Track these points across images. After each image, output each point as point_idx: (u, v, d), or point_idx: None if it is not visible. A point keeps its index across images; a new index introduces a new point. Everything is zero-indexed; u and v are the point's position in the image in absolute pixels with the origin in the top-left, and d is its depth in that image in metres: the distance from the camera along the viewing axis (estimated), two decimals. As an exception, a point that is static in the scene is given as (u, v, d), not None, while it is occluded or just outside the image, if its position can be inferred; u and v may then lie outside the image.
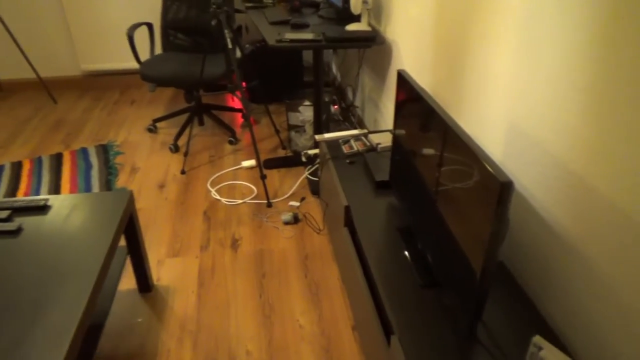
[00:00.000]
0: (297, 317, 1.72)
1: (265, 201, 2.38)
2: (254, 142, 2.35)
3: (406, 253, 1.43)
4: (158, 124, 3.17)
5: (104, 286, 1.65)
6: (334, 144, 2.07)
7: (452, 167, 1.16)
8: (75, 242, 1.44)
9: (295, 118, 2.86)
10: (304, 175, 2.56)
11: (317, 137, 2.12)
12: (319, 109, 2.61)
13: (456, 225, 1.14)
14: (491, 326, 1.16)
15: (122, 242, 1.75)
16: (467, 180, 1.07)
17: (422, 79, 1.95)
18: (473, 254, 1.05)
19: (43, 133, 3.13)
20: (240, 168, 2.69)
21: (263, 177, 2.33)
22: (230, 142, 2.95)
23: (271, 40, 2.17)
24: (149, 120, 3.28)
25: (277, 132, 2.84)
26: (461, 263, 1.12)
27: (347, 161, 1.94)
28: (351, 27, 2.40)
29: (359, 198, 1.71)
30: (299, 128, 2.85)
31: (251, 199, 2.41)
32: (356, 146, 2.02)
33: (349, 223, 1.71)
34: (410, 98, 1.43)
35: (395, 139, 1.60)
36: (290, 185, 2.52)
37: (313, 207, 2.34)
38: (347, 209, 1.68)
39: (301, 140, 2.80)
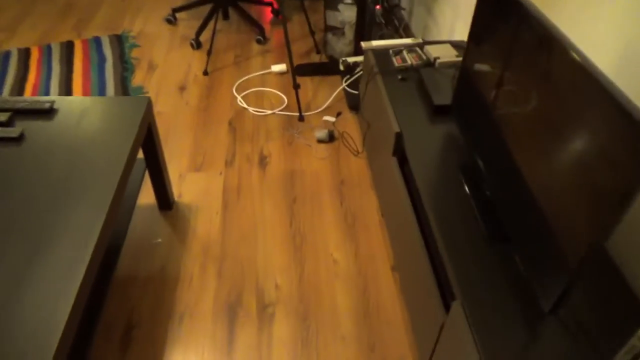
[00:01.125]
0: (331, 250, 1.56)
1: (297, 114, 2.13)
2: (287, 43, 2.04)
3: (469, 195, 1.21)
4: (178, 15, 2.82)
5: (121, 204, 1.49)
6: (382, 54, 1.76)
7: (550, 100, 0.89)
8: (87, 153, 1.25)
9: (334, 18, 2.49)
10: (341, 87, 2.27)
11: (363, 44, 1.80)
12: (364, 9, 2.24)
13: (548, 174, 0.90)
14: (576, 305, 0.97)
15: (140, 154, 1.55)
16: (576, 118, 0.81)
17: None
18: (572, 217, 0.83)
19: (52, 17, 2.81)
20: (270, 73, 2.40)
21: (296, 86, 2.06)
22: (258, 42, 2.62)
23: None
24: (167, 9, 2.92)
25: (312, 33, 2.49)
26: (548, 224, 0.90)
27: (399, 77, 1.65)
28: None
29: (412, 123, 1.45)
30: (337, 30, 2.49)
31: (281, 110, 2.16)
32: (409, 59, 1.71)
33: (398, 152, 1.47)
34: (499, 8, 1.11)
35: (469, 52, 1.30)
36: (325, 96, 2.25)
37: (350, 125, 2.09)
38: (399, 136, 1.43)
39: (339, 45, 2.46)
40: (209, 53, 2.35)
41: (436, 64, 1.66)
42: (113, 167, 1.22)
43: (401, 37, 2.64)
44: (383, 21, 2.81)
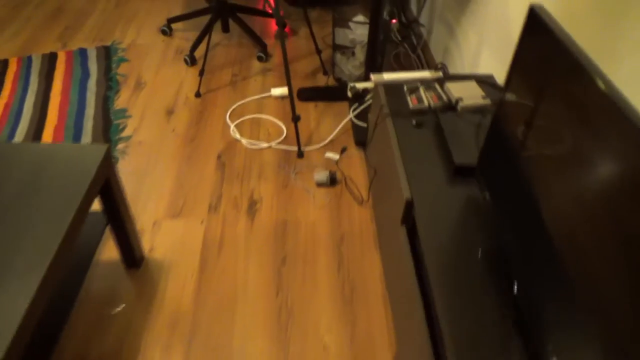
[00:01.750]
0: (322, 332, 1.30)
1: (296, 148, 1.86)
2: (286, 69, 1.77)
3: (496, 294, 0.94)
4: (173, 25, 2.58)
5: (72, 265, 1.25)
6: (394, 90, 1.49)
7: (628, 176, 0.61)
8: (26, 207, 1.00)
9: (344, 37, 2.22)
10: (348, 118, 2.00)
11: (372, 77, 1.53)
12: (377, 26, 1.97)
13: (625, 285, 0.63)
14: None
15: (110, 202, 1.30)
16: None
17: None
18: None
19: (38, 24, 2.59)
20: (269, 96, 2.14)
21: (295, 119, 1.79)
22: (259, 59, 2.36)
23: None
24: (164, 18, 2.67)
25: (319, 51, 2.22)
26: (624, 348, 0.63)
27: (413, 122, 1.38)
28: None
29: (426, 187, 1.18)
30: (346, 49, 2.22)
31: (279, 143, 1.89)
32: (426, 98, 1.43)
33: (408, 221, 1.21)
34: (547, 53, 0.84)
35: (504, 106, 1.03)
36: (329, 127, 1.98)
37: (355, 164, 1.82)
38: (409, 205, 1.17)
39: (348, 67, 2.19)
40: (201, 74, 2.09)
41: (458, 107, 1.38)
42: (55, 224, 0.98)
43: (419, 57, 2.36)
44: (399, 38, 2.53)
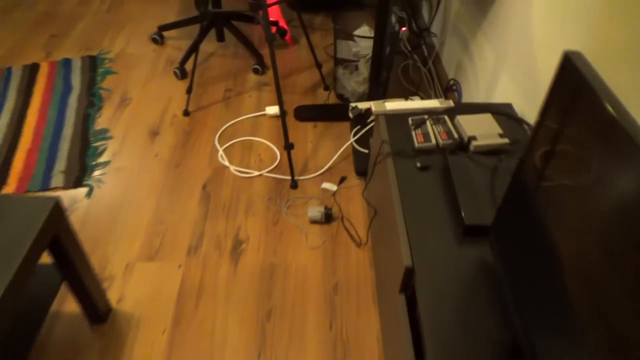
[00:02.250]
0: (307, 410, 1.13)
1: (289, 177, 1.68)
2: (277, 87, 1.58)
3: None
4: (166, 33, 2.40)
5: (22, 326, 1.09)
6: (398, 122, 1.30)
7: None
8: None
9: (346, 49, 2.03)
10: (348, 142, 1.81)
11: (374, 106, 1.34)
12: (383, 37, 1.77)
13: None
14: None
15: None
16: None
17: (567, 33, 1.09)
18: None
19: (23, 31, 2.43)
20: (264, 115, 1.96)
21: (288, 147, 1.61)
22: (255, 71, 2.18)
23: None
24: (155, 25, 2.50)
25: (318, 65, 2.03)
26: None
27: (418, 164, 1.18)
28: None
29: (429, 250, 1.00)
30: (349, 63, 2.03)
31: (270, 172, 1.72)
32: (434, 134, 1.24)
33: (407, 290, 1.02)
34: (583, 107, 0.64)
35: (527, 162, 0.83)
36: (328, 151, 1.79)
37: (355, 195, 1.63)
38: (409, 272, 0.98)
39: (351, 83, 2.00)
40: (188, 91, 1.92)
41: (471, 147, 1.19)
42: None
43: (429, 72, 2.15)
44: (409, 48, 2.33)
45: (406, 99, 1.48)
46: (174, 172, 1.71)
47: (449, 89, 1.99)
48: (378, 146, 1.30)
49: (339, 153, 1.77)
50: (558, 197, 0.71)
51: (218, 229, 1.52)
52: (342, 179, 1.69)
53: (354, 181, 1.69)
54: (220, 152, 1.78)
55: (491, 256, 0.99)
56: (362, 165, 1.69)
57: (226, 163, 1.74)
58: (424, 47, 2.33)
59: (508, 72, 1.44)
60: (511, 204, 0.88)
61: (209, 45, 2.34)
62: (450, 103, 1.35)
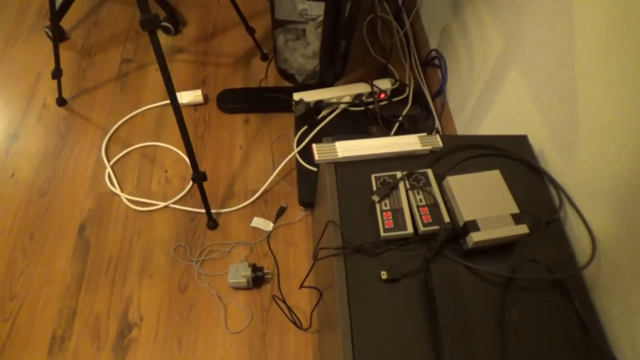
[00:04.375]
0: None
1: (205, 212, 1.19)
2: (167, 84, 1.04)
3: None
4: (37, -34, 1.69)
5: None
6: (356, 176, 0.81)
7: None
8: None
9: (289, 6, 1.42)
10: (291, 155, 1.30)
11: (317, 151, 0.84)
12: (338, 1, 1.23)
13: None
14: None
15: None
16: None
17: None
18: None
19: None
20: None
21: (198, 178, 1.09)
22: (166, 30, 1.56)
23: None
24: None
25: (250, 30, 1.43)
26: None
27: (383, 275, 0.72)
28: None
29: None
30: (292, 26, 1.44)
31: (181, 199, 1.22)
32: (411, 209, 0.76)
33: None
34: None
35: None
36: (262, 164, 1.29)
37: (298, 240, 1.17)
38: None
39: (296, 57, 1.43)
40: (55, 75, 1.29)
41: (469, 242, 0.73)
42: None
43: (405, 37, 1.59)
44: (376, 1, 1.73)
45: (372, 133, 0.97)
46: (37, 205, 1.18)
47: (429, 63, 1.47)
48: (321, 227, 0.82)
49: (277, 170, 1.27)
50: None
51: (98, 304, 1.06)
52: (281, 211, 1.22)
53: (297, 214, 1.22)
54: (108, 169, 1.25)
55: None
56: (308, 195, 1.20)
57: (116, 189, 1.21)
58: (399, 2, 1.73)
59: (521, 70, 0.95)
60: None
61: (100, -15, 1.67)
62: (438, 141, 0.87)
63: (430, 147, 0.85)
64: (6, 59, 1.45)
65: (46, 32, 1.50)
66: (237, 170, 1.28)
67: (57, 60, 1.25)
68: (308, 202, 1.20)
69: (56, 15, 1.40)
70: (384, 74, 1.50)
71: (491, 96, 1.09)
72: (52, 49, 1.22)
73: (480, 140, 0.88)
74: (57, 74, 1.27)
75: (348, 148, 0.84)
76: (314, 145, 0.84)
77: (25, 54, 1.47)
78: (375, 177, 0.80)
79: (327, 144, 0.84)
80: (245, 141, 1.33)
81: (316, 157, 0.83)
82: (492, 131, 1.09)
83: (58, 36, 1.48)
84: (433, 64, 1.45)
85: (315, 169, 1.24)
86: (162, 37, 1.55)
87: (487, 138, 0.88)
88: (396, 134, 1.32)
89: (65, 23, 1.53)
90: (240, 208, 1.21)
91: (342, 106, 1.35)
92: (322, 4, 1.29)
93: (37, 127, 1.32)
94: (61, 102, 1.36)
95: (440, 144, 0.86)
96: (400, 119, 1.35)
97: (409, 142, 0.86)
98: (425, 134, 0.87)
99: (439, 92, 1.38)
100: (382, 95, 1.38)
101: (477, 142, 0.87)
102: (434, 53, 1.43)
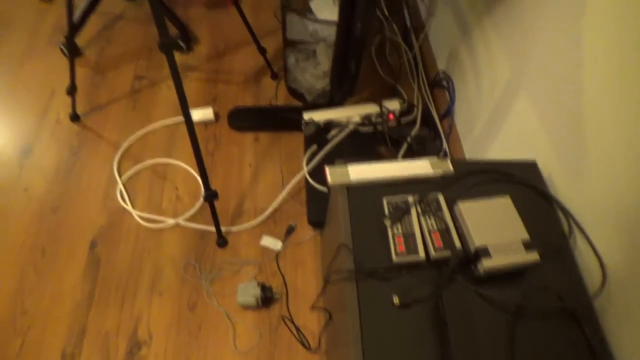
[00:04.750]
0: None
1: (215, 229, 1.20)
2: (182, 105, 1.06)
3: None
4: (52, -17, 1.73)
5: None
6: (368, 200, 0.82)
7: None
8: None
9: (300, 27, 1.45)
10: (300, 174, 1.31)
11: (330, 174, 0.85)
12: (352, 11, 1.24)
13: None
14: None
15: None
16: None
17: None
18: None
19: None
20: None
21: (209, 196, 1.10)
22: (178, 48, 1.59)
23: None
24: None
25: (261, 49, 1.46)
26: None
27: (395, 300, 0.73)
28: None
29: None
30: (303, 47, 1.47)
31: (191, 217, 1.23)
32: (422, 234, 0.77)
33: None
34: None
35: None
36: (272, 183, 1.31)
37: (307, 259, 1.18)
38: None
39: (306, 76, 1.46)
40: (70, 92, 1.32)
41: (480, 269, 0.74)
42: None
43: (414, 60, 1.62)
44: (386, 13, 1.75)
45: (381, 153, 0.98)
46: (49, 220, 1.20)
47: (438, 84, 1.49)
48: (334, 253, 0.83)
49: (287, 189, 1.28)
50: None
51: (108, 321, 1.06)
52: (290, 230, 1.23)
53: (306, 233, 1.23)
54: (120, 186, 1.26)
55: None
56: (317, 214, 1.22)
57: (127, 205, 1.23)
58: (406, 13, 1.76)
59: (529, 93, 0.96)
60: None
61: (114, 4, 1.70)
62: (448, 166, 0.88)
63: (441, 171, 0.86)
64: (22, 74, 1.48)
65: (61, 49, 1.52)
66: (247, 188, 1.29)
67: (72, 76, 1.27)
68: (317, 221, 1.21)
69: (72, 31, 1.43)
70: (393, 94, 1.52)
71: (499, 119, 1.10)
72: (66, 65, 1.25)
73: (491, 166, 0.89)
74: (72, 90, 1.29)
75: (360, 171, 0.86)
76: (326, 168, 0.85)
77: (39, 70, 1.49)
78: (387, 201, 0.81)
79: (340, 166, 0.85)
80: (255, 159, 1.35)
81: (329, 180, 0.84)
82: (500, 154, 1.10)
83: (73, 52, 1.50)
84: (441, 85, 1.47)
85: (324, 189, 1.25)
86: (174, 55, 1.57)
87: (497, 164, 0.89)
88: (404, 154, 1.33)
89: (80, 40, 1.56)
90: (251, 227, 1.22)
91: (350, 127, 1.37)
92: (334, 30, 1.31)
93: (50, 142, 1.34)
94: (74, 117, 1.38)
95: (451, 169, 0.87)
96: (409, 139, 1.37)
97: (420, 166, 0.87)
98: (436, 157, 0.89)
99: (447, 114, 1.39)
100: (391, 116, 1.40)
101: (488, 167, 0.88)
102: (441, 74, 1.45)
